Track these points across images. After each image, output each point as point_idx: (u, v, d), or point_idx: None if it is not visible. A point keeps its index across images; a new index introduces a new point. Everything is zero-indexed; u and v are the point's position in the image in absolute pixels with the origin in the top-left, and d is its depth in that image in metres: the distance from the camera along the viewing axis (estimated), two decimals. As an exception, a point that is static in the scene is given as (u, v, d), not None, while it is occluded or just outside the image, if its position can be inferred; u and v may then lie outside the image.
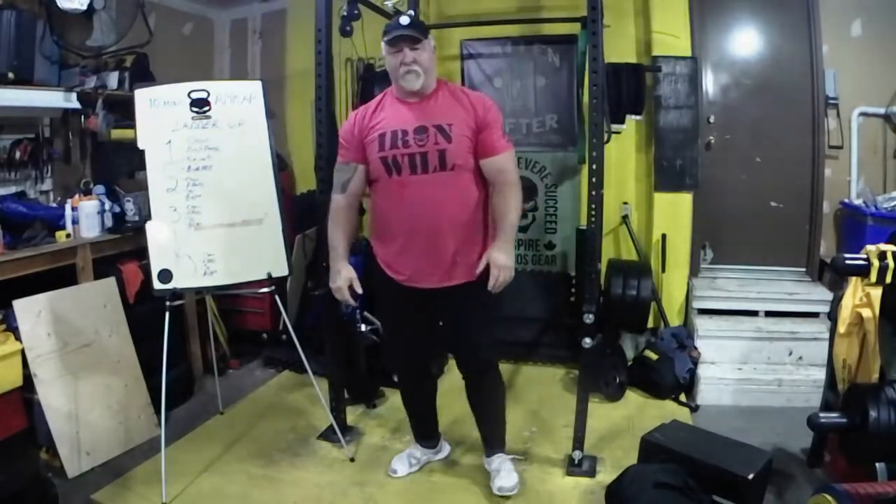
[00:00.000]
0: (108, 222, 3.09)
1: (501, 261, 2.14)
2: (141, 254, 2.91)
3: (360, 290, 2.37)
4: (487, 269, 2.15)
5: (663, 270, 3.82)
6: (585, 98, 2.90)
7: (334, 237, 2.37)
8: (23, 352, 2.53)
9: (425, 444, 2.69)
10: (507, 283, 2.15)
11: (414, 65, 2.14)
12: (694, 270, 3.93)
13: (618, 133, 3.67)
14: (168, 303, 2.58)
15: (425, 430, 2.69)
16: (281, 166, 3.23)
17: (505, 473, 2.49)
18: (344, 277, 2.34)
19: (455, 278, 2.25)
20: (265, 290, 2.81)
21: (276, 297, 2.83)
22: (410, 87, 2.17)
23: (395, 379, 3.22)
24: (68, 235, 2.92)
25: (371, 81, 3.89)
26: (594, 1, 2.39)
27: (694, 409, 3.22)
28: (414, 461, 2.65)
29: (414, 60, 2.14)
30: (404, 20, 2.16)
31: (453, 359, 3.74)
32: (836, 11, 3.72)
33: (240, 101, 2.75)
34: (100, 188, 3.20)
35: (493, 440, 2.58)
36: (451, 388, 3.30)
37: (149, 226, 2.62)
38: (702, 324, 3.56)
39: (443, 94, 2.24)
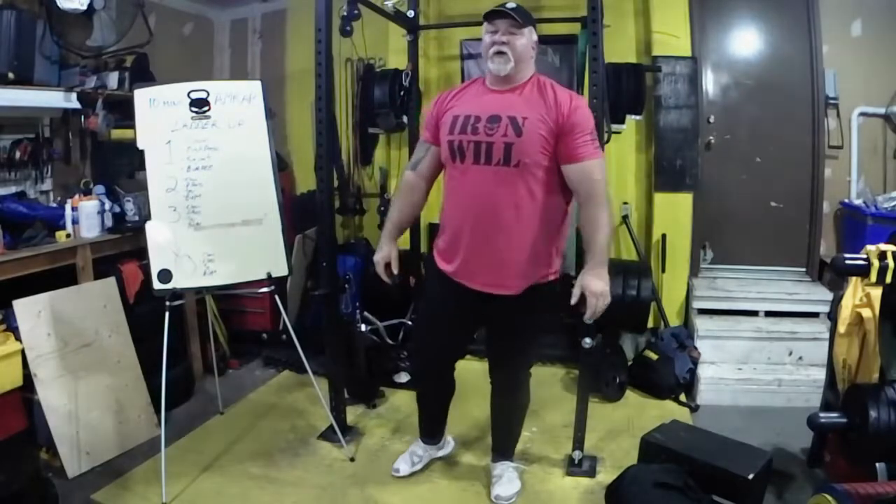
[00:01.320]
0: (108, 222, 3.09)
1: (597, 288, 2.04)
2: (141, 254, 2.91)
3: (396, 271, 2.33)
4: (541, 287, 2.17)
5: (663, 270, 3.82)
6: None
7: (392, 210, 2.37)
8: (23, 352, 2.53)
9: (428, 442, 2.68)
10: (603, 310, 2.05)
11: (505, 46, 2.01)
12: (694, 270, 3.93)
13: (618, 133, 3.67)
14: (168, 303, 2.58)
15: (433, 428, 2.67)
16: (281, 166, 3.23)
17: (506, 481, 2.46)
18: (383, 254, 2.31)
19: (506, 287, 2.12)
20: (265, 290, 2.81)
21: (276, 297, 2.83)
22: (497, 71, 2.04)
23: (399, 378, 3.21)
24: (68, 235, 2.91)
25: (371, 81, 3.90)
26: (594, 1, 2.39)
27: (694, 409, 3.22)
28: (417, 459, 2.64)
29: (506, 42, 2.01)
30: (510, 4, 2.04)
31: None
32: (836, 11, 3.73)
33: (239, 101, 2.75)
34: (100, 188, 3.20)
35: (503, 448, 2.55)
36: (456, 388, 3.30)
37: (149, 226, 2.62)
38: (702, 324, 3.56)
39: (531, 86, 2.09)
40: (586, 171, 2.02)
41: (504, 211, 2.06)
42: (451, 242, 2.18)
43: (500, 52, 2.02)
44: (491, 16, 2.05)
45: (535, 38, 2.11)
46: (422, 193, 2.33)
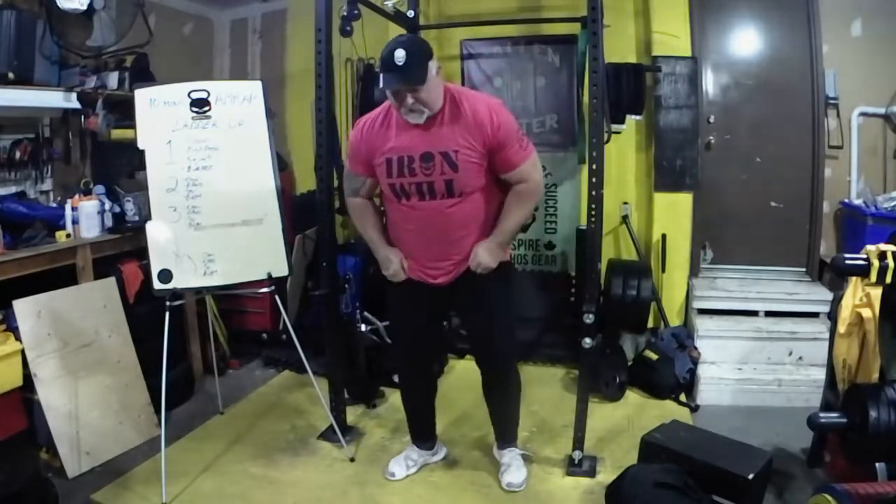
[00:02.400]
0: (108, 222, 3.09)
1: (483, 258, 2.20)
2: (141, 254, 2.91)
3: (406, 270, 2.36)
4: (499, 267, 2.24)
5: (663, 270, 3.82)
6: (585, 98, 2.90)
7: (367, 231, 2.40)
8: (23, 352, 2.53)
9: (422, 446, 2.69)
10: (481, 270, 2.22)
11: (416, 105, 2.05)
12: (694, 270, 3.93)
13: (618, 133, 3.67)
14: (168, 303, 2.58)
15: (422, 430, 2.69)
16: (281, 166, 3.23)
17: (515, 469, 2.53)
18: (397, 262, 2.32)
19: (461, 272, 2.27)
20: (265, 290, 2.81)
21: (276, 297, 2.83)
22: (416, 122, 2.10)
23: (396, 378, 3.23)
24: (68, 235, 2.92)
25: (371, 81, 3.89)
26: (594, 1, 2.39)
27: (694, 409, 3.22)
28: (411, 463, 2.65)
29: (415, 101, 2.04)
30: (399, 56, 1.96)
31: (455, 358, 3.76)
32: (836, 11, 3.72)
33: (240, 101, 2.75)
34: (100, 188, 3.20)
35: (506, 434, 2.62)
36: (450, 388, 3.31)
37: (149, 226, 2.62)
38: (702, 324, 3.56)
39: (449, 111, 2.11)
40: (523, 174, 2.18)
41: (454, 230, 2.22)
42: (408, 256, 2.32)
43: (411, 111, 2.07)
44: (386, 82, 2.01)
45: (435, 67, 2.06)
46: (375, 208, 2.43)
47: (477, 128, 2.09)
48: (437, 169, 2.12)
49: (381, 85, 2.04)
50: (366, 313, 3.74)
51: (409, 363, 2.54)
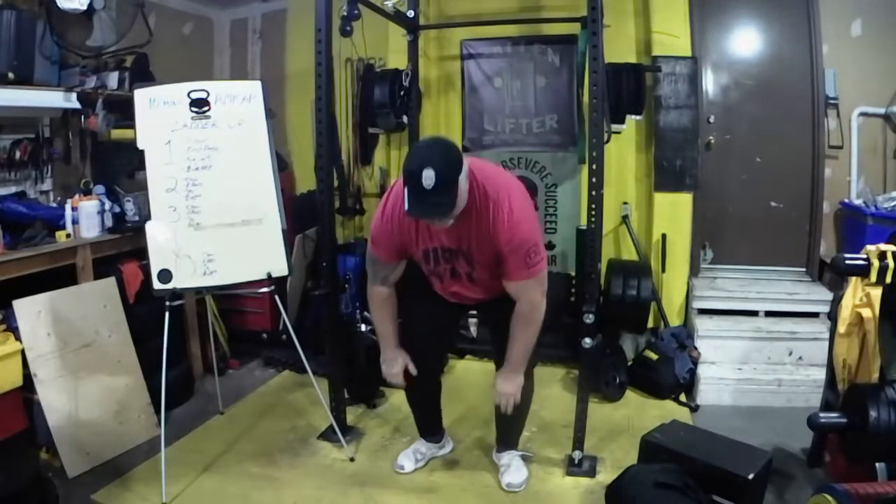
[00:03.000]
0: (108, 222, 3.09)
1: (507, 389, 2.22)
2: (141, 254, 2.91)
3: (414, 373, 2.36)
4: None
5: (663, 270, 3.82)
6: (585, 98, 2.90)
7: (384, 326, 2.34)
8: (23, 352, 2.53)
9: (430, 439, 2.70)
10: (513, 407, 2.25)
11: (443, 224, 1.98)
12: (694, 270, 3.93)
13: (618, 133, 3.67)
14: (168, 303, 2.58)
15: (430, 424, 2.70)
16: (281, 166, 3.23)
17: (514, 470, 2.53)
18: (401, 364, 2.33)
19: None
20: (265, 290, 2.81)
21: (276, 297, 2.83)
22: (440, 226, 2.05)
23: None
24: (68, 235, 2.92)
25: (371, 81, 3.89)
26: (594, 1, 2.39)
27: (694, 409, 3.22)
28: (420, 456, 2.66)
29: (443, 224, 1.98)
30: (428, 179, 1.77)
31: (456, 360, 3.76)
32: (836, 11, 3.72)
33: (239, 101, 2.74)
34: (100, 188, 3.20)
35: (508, 439, 2.61)
36: (451, 388, 3.30)
37: (149, 226, 2.62)
38: (702, 324, 3.56)
39: (473, 210, 2.03)
40: (520, 290, 2.12)
41: (477, 291, 2.29)
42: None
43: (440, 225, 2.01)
44: (411, 207, 1.87)
45: (465, 177, 1.93)
46: (395, 300, 2.36)
47: (492, 237, 2.04)
48: (461, 263, 2.18)
49: (405, 207, 1.88)
50: (366, 313, 3.74)
51: (421, 363, 2.47)
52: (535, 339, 2.21)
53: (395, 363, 2.34)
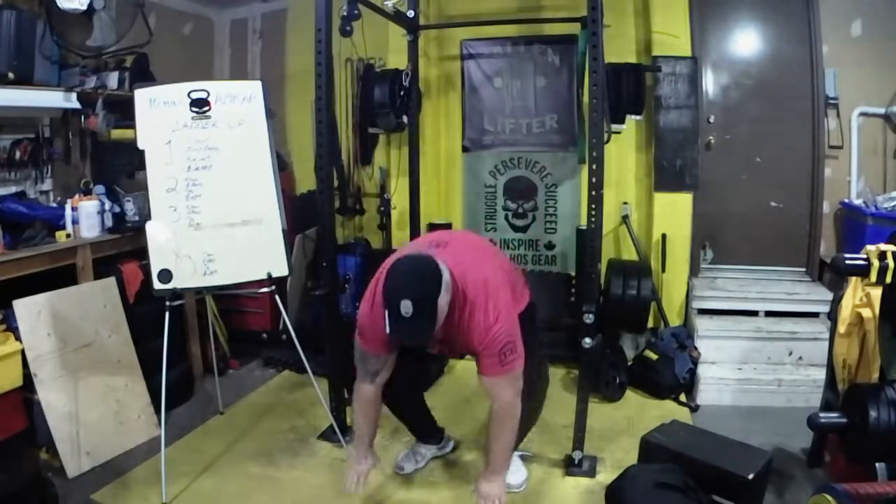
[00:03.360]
0: (108, 222, 3.09)
1: (489, 491, 2.13)
2: (141, 254, 2.91)
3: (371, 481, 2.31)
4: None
5: (663, 270, 3.82)
6: (585, 98, 2.90)
7: (364, 427, 2.24)
8: (23, 352, 2.53)
9: (427, 441, 2.70)
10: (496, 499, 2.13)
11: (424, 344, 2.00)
12: (694, 270, 3.93)
13: (618, 133, 3.67)
14: (168, 303, 2.58)
15: (422, 431, 2.70)
16: (281, 166, 3.23)
17: (513, 470, 2.50)
18: (367, 467, 2.23)
19: None
20: (265, 290, 2.81)
21: (276, 297, 2.83)
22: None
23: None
24: (68, 235, 2.92)
25: (371, 81, 3.89)
26: (594, 1, 2.39)
27: (694, 409, 3.22)
28: (419, 457, 2.66)
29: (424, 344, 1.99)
30: (406, 310, 1.75)
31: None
32: (836, 11, 3.72)
33: (240, 101, 2.75)
34: (100, 188, 3.21)
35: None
36: (450, 388, 3.32)
37: (149, 226, 2.62)
38: (702, 324, 3.56)
39: (454, 315, 1.98)
40: (493, 387, 2.04)
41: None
42: None
43: None
44: (392, 331, 1.82)
45: (446, 297, 1.88)
46: (380, 401, 2.26)
47: (468, 337, 2.01)
48: (443, 347, 2.18)
49: (386, 328, 1.83)
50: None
51: (398, 392, 2.38)
52: (515, 436, 2.13)
53: (359, 465, 2.22)
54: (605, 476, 2.53)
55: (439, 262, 1.91)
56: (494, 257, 2.28)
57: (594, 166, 2.43)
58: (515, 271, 2.36)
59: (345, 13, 3.03)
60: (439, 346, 2.19)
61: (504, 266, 2.26)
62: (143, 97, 2.64)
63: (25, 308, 2.57)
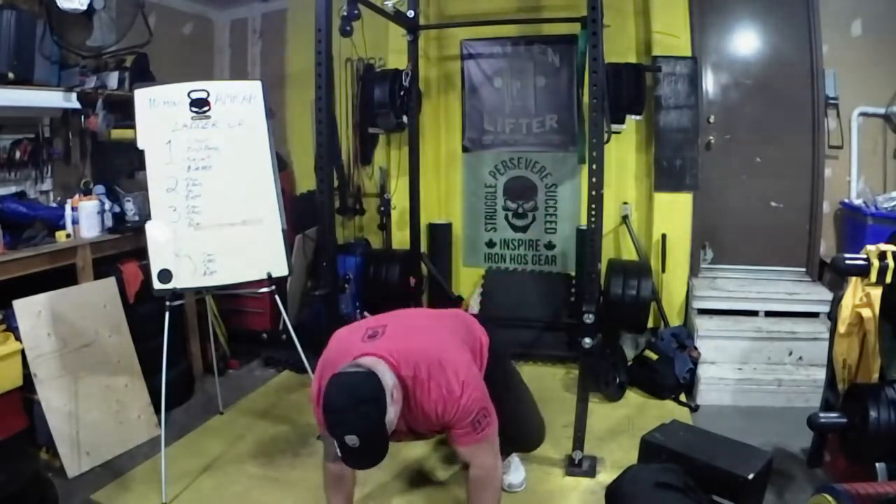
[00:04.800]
0: (108, 222, 3.09)
1: None
2: (141, 254, 2.91)
3: None
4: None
5: (663, 270, 3.82)
6: (585, 98, 2.90)
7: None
8: (23, 352, 2.53)
9: None
10: None
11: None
12: (694, 270, 3.93)
13: (618, 133, 3.67)
14: (168, 303, 2.58)
15: None
16: (281, 166, 3.23)
17: (513, 469, 2.50)
18: None
19: None
20: (265, 290, 2.81)
21: (276, 297, 2.83)
22: None
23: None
24: (68, 235, 2.92)
25: (371, 81, 3.90)
26: (594, 1, 2.39)
27: (694, 409, 3.22)
28: None
29: None
30: (352, 443, 1.59)
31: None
32: (836, 11, 3.72)
33: (239, 101, 2.75)
34: (100, 188, 3.21)
35: None
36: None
37: (149, 226, 2.62)
38: (702, 324, 3.55)
39: (407, 408, 1.82)
40: (471, 454, 1.92)
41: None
42: None
43: None
44: (342, 456, 1.66)
45: (392, 410, 1.70)
46: (351, 478, 2.12)
47: (434, 420, 1.86)
48: (412, 437, 2.02)
49: (338, 454, 1.67)
50: (366, 313, 3.75)
51: None
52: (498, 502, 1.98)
53: None
54: (605, 476, 2.53)
55: (378, 365, 1.74)
56: (439, 323, 2.10)
57: (594, 166, 2.43)
58: (466, 326, 2.17)
59: (345, 13, 3.03)
60: (406, 437, 1.99)
61: (454, 327, 2.09)
62: (143, 97, 2.64)
63: (25, 308, 2.57)
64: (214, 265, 2.67)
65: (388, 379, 1.71)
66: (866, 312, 2.28)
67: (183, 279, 2.63)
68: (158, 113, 2.65)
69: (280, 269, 2.78)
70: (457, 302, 4.21)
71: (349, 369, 1.73)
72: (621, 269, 3.62)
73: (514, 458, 2.56)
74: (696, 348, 3.44)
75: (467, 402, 1.82)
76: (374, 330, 1.92)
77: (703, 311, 3.69)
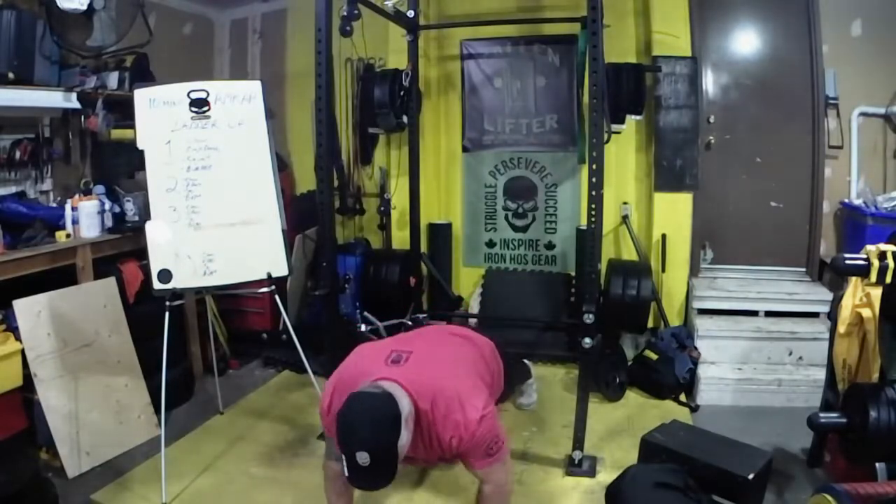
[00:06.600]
0: (108, 222, 3.09)
1: None
2: (141, 254, 2.91)
3: None
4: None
5: (663, 270, 3.82)
6: (585, 98, 2.90)
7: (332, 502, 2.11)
8: (23, 352, 2.53)
9: None
10: None
11: None
12: (694, 270, 3.93)
13: (618, 133, 3.67)
14: (168, 303, 2.58)
15: None
16: (281, 166, 3.23)
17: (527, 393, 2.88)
18: None
19: None
20: (265, 290, 2.81)
21: (276, 297, 2.83)
22: None
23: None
24: (68, 235, 2.92)
25: (371, 81, 3.89)
26: (594, 1, 2.39)
27: (694, 409, 3.22)
28: None
29: None
30: (363, 461, 1.59)
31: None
32: (836, 11, 3.72)
33: (239, 101, 2.75)
34: (100, 188, 3.21)
35: None
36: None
37: (148, 226, 2.62)
38: (702, 324, 3.55)
39: (418, 436, 1.82)
40: (485, 475, 1.94)
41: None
42: None
43: None
44: (349, 477, 1.66)
45: (406, 436, 1.71)
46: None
47: (438, 449, 1.87)
48: (419, 463, 2.05)
49: (344, 472, 1.66)
50: (366, 313, 3.75)
51: None
52: None
53: None
54: (605, 476, 2.53)
55: (398, 391, 1.74)
56: (462, 353, 2.10)
57: (594, 166, 2.43)
58: (486, 354, 2.19)
59: (345, 13, 3.03)
60: (414, 462, 2.00)
61: (475, 358, 2.10)
62: (143, 97, 2.64)
63: (25, 308, 2.57)
64: (214, 265, 2.67)
65: (404, 405, 1.73)
66: (866, 312, 2.28)
67: (183, 279, 2.63)
68: (158, 113, 2.65)
69: (280, 269, 2.78)
70: (457, 302, 4.21)
71: (369, 389, 1.74)
72: (621, 269, 3.62)
73: (532, 385, 2.90)
74: (696, 348, 3.44)
75: (483, 434, 1.83)
76: (399, 354, 1.91)
77: (703, 311, 3.69)
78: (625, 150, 3.93)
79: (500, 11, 3.87)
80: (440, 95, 4.24)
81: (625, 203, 3.97)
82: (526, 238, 4.25)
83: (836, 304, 2.50)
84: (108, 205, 3.11)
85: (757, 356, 3.41)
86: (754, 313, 3.61)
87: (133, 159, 2.99)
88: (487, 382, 2.06)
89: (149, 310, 2.92)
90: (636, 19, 3.86)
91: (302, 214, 4.06)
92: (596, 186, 2.44)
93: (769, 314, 3.59)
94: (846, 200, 3.76)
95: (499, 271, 4.29)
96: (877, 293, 2.16)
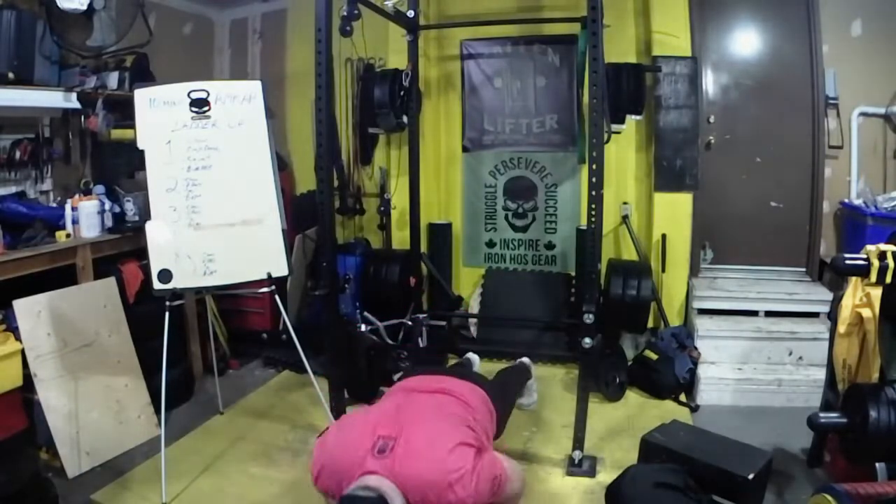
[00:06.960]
0: (108, 222, 3.09)
1: None
2: (141, 254, 2.91)
3: None
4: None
5: (663, 270, 3.82)
6: (585, 98, 2.90)
7: None
8: (23, 352, 2.53)
9: None
10: None
11: None
12: (694, 270, 3.93)
13: (618, 133, 3.67)
14: (168, 303, 2.58)
15: None
16: (281, 166, 3.23)
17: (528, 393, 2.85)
18: None
19: None
20: (265, 290, 2.81)
21: (276, 297, 2.83)
22: None
23: (396, 378, 3.19)
24: (68, 235, 2.92)
25: (371, 81, 3.89)
26: (594, 1, 2.38)
27: (694, 409, 3.22)
28: None
29: None
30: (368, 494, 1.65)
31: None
32: (836, 11, 3.72)
33: (239, 101, 2.75)
34: (100, 188, 3.21)
35: None
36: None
37: (149, 226, 2.62)
38: (702, 324, 3.55)
39: None
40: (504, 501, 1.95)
41: None
42: None
43: None
44: None
45: None
46: None
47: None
48: None
49: None
50: (366, 313, 3.75)
51: None
52: None
53: None
54: (605, 476, 2.53)
55: (391, 491, 1.72)
56: (453, 424, 1.99)
57: (594, 166, 2.43)
58: (479, 411, 2.14)
59: (345, 13, 3.03)
60: None
61: (467, 420, 2.02)
62: (143, 97, 2.65)
63: (25, 308, 2.57)
64: (214, 265, 2.67)
65: (397, 503, 1.72)
66: (866, 312, 2.28)
67: (183, 279, 2.63)
68: (158, 113, 2.65)
69: (280, 269, 2.78)
70: (457, 302, 4.21)
71: (360, 493, 1.71)
72: (621, 269, 3.62)
73: (533, 385, 2.96)
74: (696, 348, 3.44)
75: (482, 490, 1.80)
76: (385, 442, 1.84)
77: (703, 311, 3.69)
78: (625, 150, 3.93)
79: (499, 11, 3.87)
80: (440, 95, 4.24)
81: (625, 203, 3.97)
82: (526, 238, 4.25)
83: (836, 304, 2.50)
84: (108, 205, 3.11)
85: (757, 356, 3.41)
86: (754, 313, 3.61)
87: (133, 159, 3.00)
88: (477, 432, 1.99)
89: (149, 310, 2.92)
90: (636, 19, 3.87)
91: (302, 214, 4.07)
92: (596, 186, 2.44)
93: (769, 314, 3.59)
94: (846, 200, 3.76)
95: (499, 271, 4.29)
96: (877, 293, 2.16)
